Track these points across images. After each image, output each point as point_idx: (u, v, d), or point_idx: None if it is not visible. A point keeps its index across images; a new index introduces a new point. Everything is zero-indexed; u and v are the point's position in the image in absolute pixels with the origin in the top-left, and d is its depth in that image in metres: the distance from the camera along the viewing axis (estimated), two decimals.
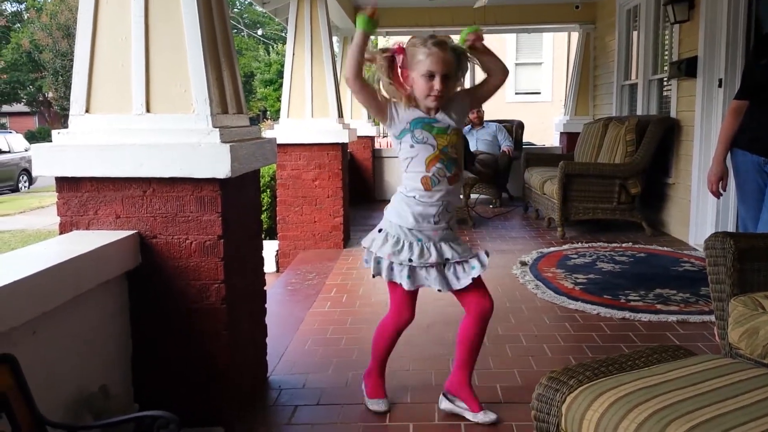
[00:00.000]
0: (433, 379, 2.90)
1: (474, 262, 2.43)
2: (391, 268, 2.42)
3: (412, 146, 2.36)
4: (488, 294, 2.51)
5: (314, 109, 5.87)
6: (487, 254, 2.48)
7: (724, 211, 5.22)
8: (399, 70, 2.35)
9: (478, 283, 2.47)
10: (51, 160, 2.26)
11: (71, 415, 1.96)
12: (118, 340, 2.30)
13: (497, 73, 2.41)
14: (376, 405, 2.60)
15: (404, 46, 2.34)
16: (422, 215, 2.38)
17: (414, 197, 2.38)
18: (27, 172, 19.28)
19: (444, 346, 3.21)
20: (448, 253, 2.41)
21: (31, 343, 1.78)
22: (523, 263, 5.04)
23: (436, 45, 2.26)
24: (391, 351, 2.64)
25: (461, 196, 2.41)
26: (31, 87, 32.32)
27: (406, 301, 2.51)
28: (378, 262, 2.44)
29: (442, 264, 2.42)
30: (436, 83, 2.26)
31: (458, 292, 2.47)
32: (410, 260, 2.38)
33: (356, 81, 2.32)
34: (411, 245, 2.40)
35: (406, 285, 2.42)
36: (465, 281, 2.42)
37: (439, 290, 2.43)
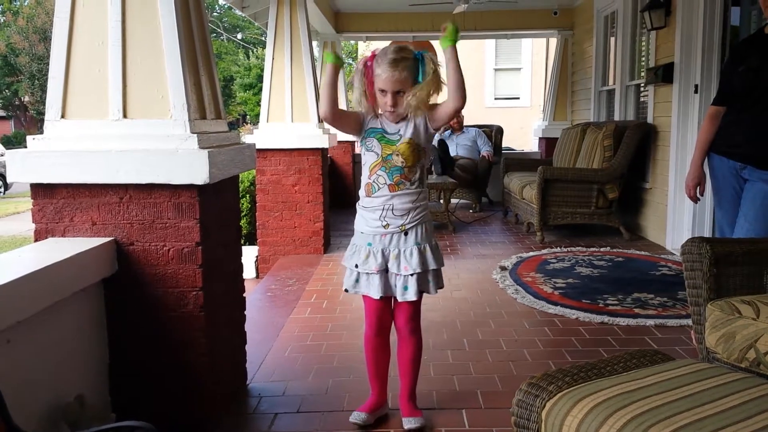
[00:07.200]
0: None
1: (412, 284, 2.40)
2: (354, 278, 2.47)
3: (364, 153, 2.45)
4: (414, 335, 2.54)
5: (294, 113, 5.84)
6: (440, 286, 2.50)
7: (700, 216, 5.29)
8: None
9: (412, 314, 2.50)
10: (26, 166, 2.23)
11: (47, 425, 1.93)
12: (94, 349, 2.27)
13: (451, 97, 2.34)
14: (353, 416, 2.54)
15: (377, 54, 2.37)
16: (368, 220, 2.43)
17: (363, 204, 2.46)
18: (2, 177, 19.01)
19: (425, 351, 3.19)
20: (392, 263, 2.40)
21: (6, 353, 1.75)
22: (503, 268, 5.06)
23: (390, 64, 2.28)
24: (379, 361, 2.59)
25: (414, 203, 2.38)
26: (7, 91, 31.89)
27: (370, 306, 2.51)
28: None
29: (384, 271, 2.42)
30: (388, 99, 2.33)
31: (395, 305, 2.50)
32: (356, 266, 2.44)
33: (335, 114, 2.38)
34: (359, 249, 2.44)
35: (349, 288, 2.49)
36: (398, 295, 2.42)
37: (381, 298, 2.42)
